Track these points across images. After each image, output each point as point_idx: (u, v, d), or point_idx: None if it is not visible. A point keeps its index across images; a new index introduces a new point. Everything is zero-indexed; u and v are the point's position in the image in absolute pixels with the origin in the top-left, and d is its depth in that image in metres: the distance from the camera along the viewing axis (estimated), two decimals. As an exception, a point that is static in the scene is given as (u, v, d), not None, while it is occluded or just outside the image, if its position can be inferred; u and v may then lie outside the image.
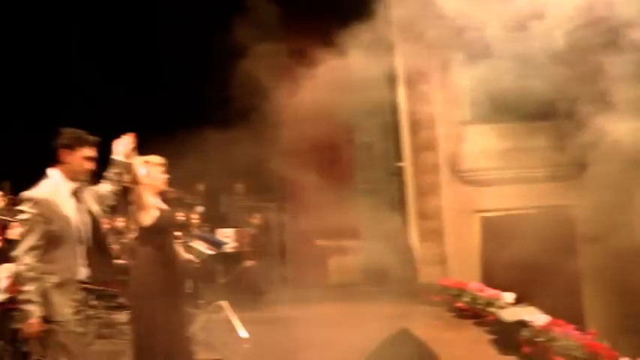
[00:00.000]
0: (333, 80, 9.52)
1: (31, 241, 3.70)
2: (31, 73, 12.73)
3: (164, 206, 5.26)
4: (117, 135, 4.66)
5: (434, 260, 10.57)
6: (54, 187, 3.90)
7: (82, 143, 4.03)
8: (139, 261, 5.18)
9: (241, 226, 9.46)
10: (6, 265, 6.22)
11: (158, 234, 5.11)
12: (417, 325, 5.62)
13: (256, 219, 10.31)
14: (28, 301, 3.63)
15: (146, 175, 5.02)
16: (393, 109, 11.40)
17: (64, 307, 3.72)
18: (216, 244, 6.97)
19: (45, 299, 3.67)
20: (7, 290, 6.27)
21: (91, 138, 4.14)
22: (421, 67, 10.52)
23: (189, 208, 11.37)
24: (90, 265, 3.92)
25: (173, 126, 11.83)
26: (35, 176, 4.04)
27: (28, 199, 3.81)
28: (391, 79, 11.02)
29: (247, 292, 9.43)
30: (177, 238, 5.67)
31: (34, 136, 12.66)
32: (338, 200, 12.05)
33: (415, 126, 10.98)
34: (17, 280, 3.82)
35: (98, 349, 7.11)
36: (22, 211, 3.81)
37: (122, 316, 8.76)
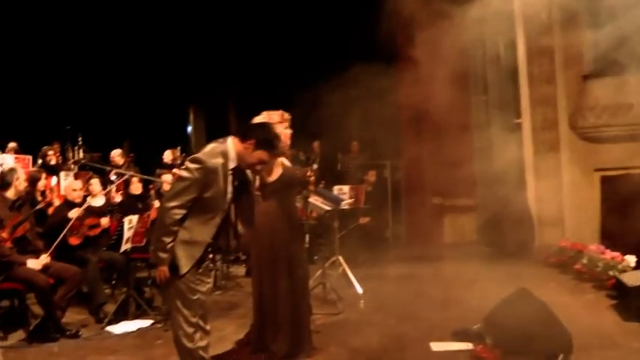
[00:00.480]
0: (453, 40, 9.37)
1: (182, 199, 3.81)
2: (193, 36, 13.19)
3: (287, 163, 5.40)
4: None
5: (552, 221, 10.28)
6: (223, 158, 3.99)
7: (268, 146, 4.05)
8: (261, 216, 5.33)
9: (357, 183, 9.54)
10: (129, 217, 6.59)
11: (281, 190, 5.26)
12: (533, 287, 5.54)
13: (372, 176, 10.37)
14: (163, 250, 3.83)
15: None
16: (512, 64, 11.08)
17: (189, 262, 3.89)
18: (333, 200, 7.06)
19: (172, 252, 3.87)
20: (131, 240, 6.61)
21: (276, 149, 4.19)
22: (541, 20, 10.13)
23: (305, 164, 11.60)
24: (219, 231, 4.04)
25: (293, 83, 12.05)
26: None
27: (199, 162, 3.93)
28: (510, 34, 10.71)
29: (362, 249, 9.58)
30: (297, 194, 5.78)
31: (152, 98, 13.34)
32: (454, 158, 11.93)
33: (534, 81, 10.65)
34: (157, 228, 3.99)
35: (215, 299, 7.48)
36: (187, 169, 3.94)
37: (239, 269, 9.18)
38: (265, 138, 4.06)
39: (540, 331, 4.83)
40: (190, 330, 3.89)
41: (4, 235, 5.84)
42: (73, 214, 6.76)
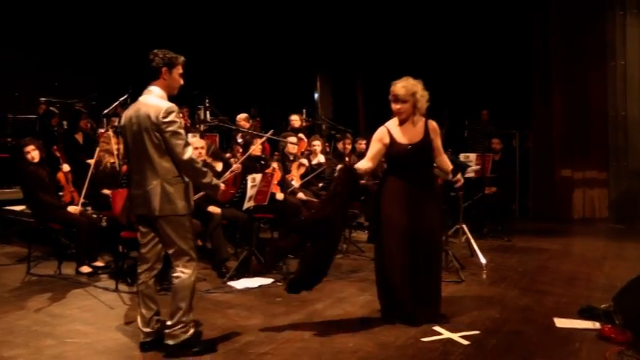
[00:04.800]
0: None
1: None
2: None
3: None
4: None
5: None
6: None
7: None
8: (384, 180, 5.33)
9: (484, 151, 9.32)
10: (252, 176, 6.71)
11: (422, 154, 5.17)
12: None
13: (497, 144, 10.08)
14: None
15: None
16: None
17: None
18: (460, 167, 6.92)
19: None
20: (254, 199, 6.73)
21: None
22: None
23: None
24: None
25: (420, 52, 11.89)
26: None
27: None
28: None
29: (487, 219, 9.39)
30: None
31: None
32: (586, 128, 11.43)
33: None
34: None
35: (337, 262, 7.56)
36: None
37: (362, 235, 9.24)
38: None
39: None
40: None
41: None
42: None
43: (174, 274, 4.40)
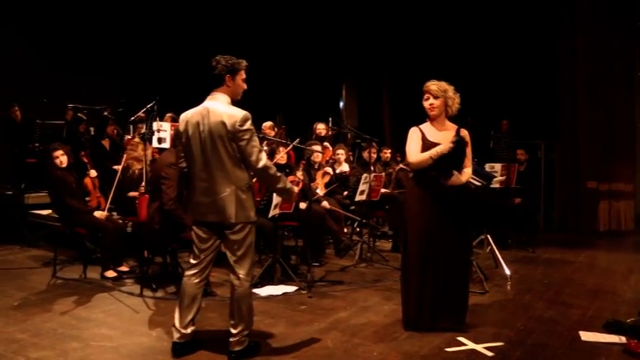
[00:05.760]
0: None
1: None
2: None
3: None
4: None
5: None
6: None
7: None
8: (410, 190, 5.33)
9: (509, 162, 9.27)
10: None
11: (454, 157, 5.14)
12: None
13: (521, 155, 10.03)
14: None
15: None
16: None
17: None
18: (485, 177, 6.90)
19: None
20: (279, 206, 6.76)
21: None
22: None
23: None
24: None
25: (445, 63, 11.87)
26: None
27: None
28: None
29: (512, 230, 9.32)
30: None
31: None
32: (613, 140, 11.33)
33: None
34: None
35: (361, 271, 7.58)
36: None
37: (386, 244, 9.25)
38: None
39: None
40: None
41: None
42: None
43: (235, 282, 4.44)
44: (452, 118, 5.30)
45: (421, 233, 5.10)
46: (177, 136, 6.39)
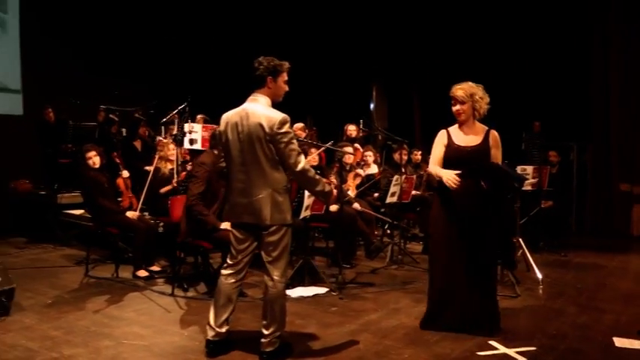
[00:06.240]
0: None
1: None
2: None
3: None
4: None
5: None
6: None
7: None
8: (438, 192, 5.32)
9: (540, 164, 9.17)
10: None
11: (477, 159, 5.15)
12: None
13: (553, 157, 9.90)
14: None
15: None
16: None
17: None
18: (517, 180, 6.82)
19: None
20: (310, 208, 6.76)
21: None
22: None
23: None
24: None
25: (474, 64, 11.79)
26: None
27: None
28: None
29: (544, 233, 9.22)
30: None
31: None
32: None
33: None
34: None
35: (392, 273, 7.55)
36: None
37: (417, 246, 9.21)
38: None
39: None
40: None
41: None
42: None
43: (269, 283, 4.43)
44: (485, 119, 5.26)
45: (440, 235, 5.16)
46: (213, 137, 6.46)
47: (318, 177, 4.52)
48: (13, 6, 11.03)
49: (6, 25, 10.99)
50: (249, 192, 4.35)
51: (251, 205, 4.35)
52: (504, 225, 5.37)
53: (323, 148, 7.97)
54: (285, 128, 4.28)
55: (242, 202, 4.40)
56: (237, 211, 4.46)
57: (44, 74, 10.91)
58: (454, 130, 5.28)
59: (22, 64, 11.09)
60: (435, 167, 5.21)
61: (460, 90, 5.15)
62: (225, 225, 5.94)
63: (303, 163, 4.35)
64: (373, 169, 9.36)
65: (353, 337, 5.07)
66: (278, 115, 4.30)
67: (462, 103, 5.14)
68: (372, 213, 8.25)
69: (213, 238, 6.14)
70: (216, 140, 6.28)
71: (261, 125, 4.26)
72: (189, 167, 7.98)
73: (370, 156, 9.42)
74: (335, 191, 4.79)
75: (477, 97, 5.14)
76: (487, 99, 5.19)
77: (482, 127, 5.24)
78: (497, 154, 5.18)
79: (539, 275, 7.13)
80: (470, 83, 5.19)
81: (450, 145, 5.20)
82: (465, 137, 5.20)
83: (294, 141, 4.35)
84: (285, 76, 4.49)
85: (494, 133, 5.19)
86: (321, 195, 4.65)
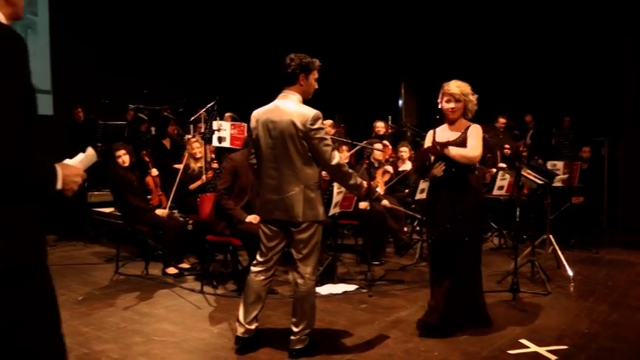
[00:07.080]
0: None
1: None
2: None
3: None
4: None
5: None
6: None
7: None
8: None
9: (571, 159, 9.05)
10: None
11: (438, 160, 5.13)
12: None
13: (585, 152, 9.75)
14: None
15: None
16: None
17: None
18: (547, 175, 6.76)
19: None
20: (339, 205, 6.71)
21: None
22: None
23: (517, 138, 11.23)
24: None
25: (503, 61, 11.71)
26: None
27: None
28: None
29: (574, 230, 9.11)
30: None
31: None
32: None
33: None
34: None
35: (421, 270, 7.50)
36: None
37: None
38: None
39: None
40: None
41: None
42: None
43: (299, 280, 4.43)
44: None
45: (430, 233, 5.30)
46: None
47: (351, 171, 4.53)
48: (43, 8, 11.20)
49: (36, 27, 11.16)
50: (281, 189, 4.35)
51: (283, 201, 4.35)
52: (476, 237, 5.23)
53: (357, 149, 7.97)
54: (319, 124, 4.28)
55: (274, 199, 4.41)
56: (269, 207, 4.46)
57: (73, 75, 11.05)
58: (441, 129, 5.26)
59: (52, 65, 11.25)
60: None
61: (457, 88, 5.12)
62: (250, 218, 5.97)
63: (337, 158, 4.37)
64: (408, 165, 9.28)
65: (383, 333, 5.05)
66: (311, 112, 4.30)
67: (458, 101, 5.11)
68: (402, 210, 8.21)
69: (238, 230, 6.17)
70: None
71: (293, 122, 4.26)
72: (214, 165, 8.04)
73: (405, 152, 9.32)
74: (365, 183, 4.77)
75: (470, 96, 5.12)
76: (476, 100, 5.17)
77: (466, 124, 5.17)
78: (472, 143, 5.04)
79: (570, 272, 7.04)
80: (462, 82, 5.17)
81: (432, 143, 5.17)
82: (448, 134, 5.17)
83: (328, 137, 4.36)
84: (316, 74, 4.49)
85: (474, 126, 5.13)
86: (354, 188, 4.64)
